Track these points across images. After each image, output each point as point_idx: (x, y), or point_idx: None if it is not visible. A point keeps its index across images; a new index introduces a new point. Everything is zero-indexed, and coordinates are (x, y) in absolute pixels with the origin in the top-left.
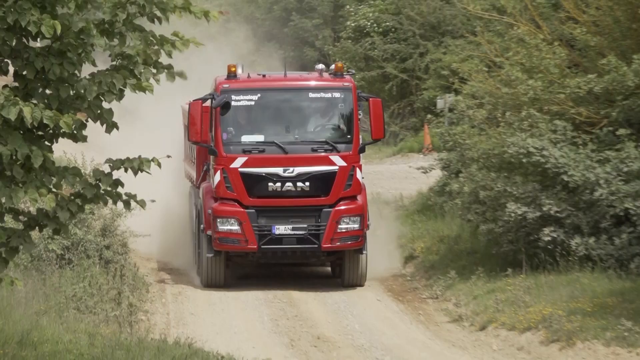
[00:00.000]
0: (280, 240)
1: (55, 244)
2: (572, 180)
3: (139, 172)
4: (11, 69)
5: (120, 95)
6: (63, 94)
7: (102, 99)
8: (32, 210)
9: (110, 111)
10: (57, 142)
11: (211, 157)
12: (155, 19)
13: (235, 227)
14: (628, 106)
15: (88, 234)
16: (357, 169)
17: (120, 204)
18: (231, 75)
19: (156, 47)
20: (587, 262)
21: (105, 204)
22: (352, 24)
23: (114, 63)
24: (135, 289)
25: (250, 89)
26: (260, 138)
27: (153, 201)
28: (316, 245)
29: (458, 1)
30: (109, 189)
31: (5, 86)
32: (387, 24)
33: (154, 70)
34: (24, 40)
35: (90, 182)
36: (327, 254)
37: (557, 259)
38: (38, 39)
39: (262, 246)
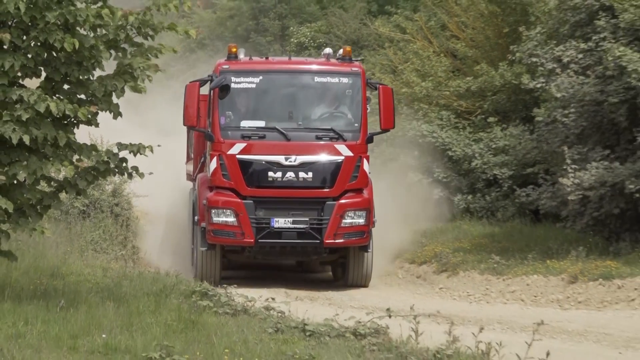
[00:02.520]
0: (280, 234)
1: (79, 202)
2: (455, 154)
3: (138, 154)
4: (43, 73)
5: (120, 94)
6: (80, 92)
7: (111, 95)
8: (60, 177)
9: (116, 105)
10: (77, 128)
11: (208, 143)
12: (148, 37)
13: (231, 219)
14: (496, 100)
15: (102, 195)
16: (365, 160)
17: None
18: (231, 56)
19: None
20: (467, 213)
21: (114, 175)
22: (295, 41)
23: (118, 69)
24: (137, 235)
25: (251, 70)
26: (260, 123)
27: (151, 173)
28: (318, 241)
29: (372, 24)
30: (117, 164)
31: (38, 87)
32: (320, 40)
33: (149, 74)
34: (52, 52)
35: (103, 159)
36: (329, 251)
37: (444, 211)
38: (62, 52)
39: (260, 240)
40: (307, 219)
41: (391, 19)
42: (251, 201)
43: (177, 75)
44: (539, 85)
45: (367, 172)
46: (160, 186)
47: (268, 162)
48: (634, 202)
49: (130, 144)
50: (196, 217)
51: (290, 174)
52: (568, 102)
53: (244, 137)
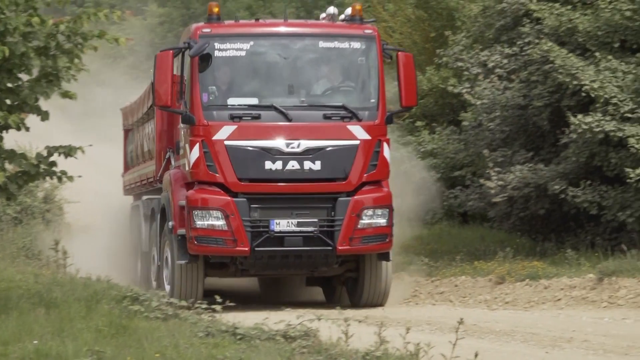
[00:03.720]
0: (281, 240)
1: (11, 209)
2: None
3: (69, 156)
4: None
5: (47, 97)
6: (11, 100)
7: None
8: None
9: (46, 112)
10: (7, 132)
11: (183, 130)
12: (79, 44)
13: (220, 222)
14: (423, 104)
15: (35, 202)
16: (385, 145)
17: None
18: (213, 17)
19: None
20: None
21: (44, 179)
22: None
23: (41, 72)
24: (69, 241)
25: (239, 34)
26: (253, 101)
27: (80, 176)
28: (330, 248)
29: None
30: (47, 167)
31: None
32: None
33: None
34: None
35: (32, 163)
36: (341, 261)
37: None
38: None
39: (257, 248)
40: (316, 220)
41: None
42: (244, 199)
43: (108, 83)
44: (464, 91)
45: (389, 160)
46: (95, 193)
47: (264, 149)
48: (559, 203)
49: (61, 145)
50: (170, 223)
51: (292, 164)
52: (492, 107)
53: (233, 118)
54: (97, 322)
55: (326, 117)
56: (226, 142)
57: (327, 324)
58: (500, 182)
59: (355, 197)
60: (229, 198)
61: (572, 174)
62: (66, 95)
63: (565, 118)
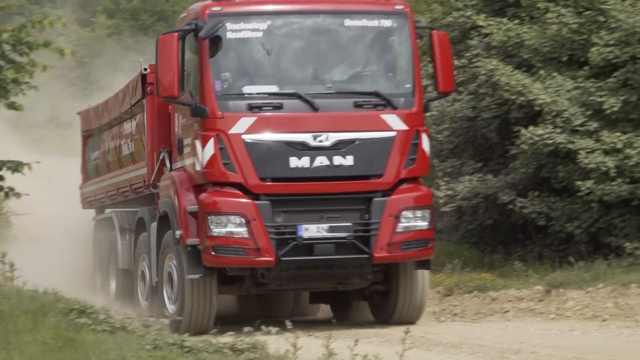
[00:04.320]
0: (311, 247)
1: None
2: None
3: (16, 172)
4: None
5: None
6: None
7: None
8: None
9: None
10: None
11: (188, 124)
12: (24, 54)
13: (240, 229)
14: None
15: None
16: (424, 136)
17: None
18: None
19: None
20: None
21: None
22: None
23: None
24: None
25: (254, 13)
26: (272, 88)
27: (27, 194)
28: (366, 255)
29: None
30: None
31: None
32: None
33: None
34: None
35: None
36: (376, 270)
37: None
38: None
39: (283, 258)
40: (349, 224)
41: None
42: (267, 201)
43: (55, 94)
44: None
45: (428, 154)
46: (46, 205)
47: (289, 144)
48: (507, 214)
49: (9, 160)
50: (178, 233)
51: (321, 160)
52: (441, 119)
53: (251, 109)
54: (44, 335)
55: (357, 106)
56: (245, 137)
57: (276, 337)
58: (449, 192)
59: (392, 196)
60: (249, 200)
61: (520, 184)
62: (12, 106)
63: (513, 130)
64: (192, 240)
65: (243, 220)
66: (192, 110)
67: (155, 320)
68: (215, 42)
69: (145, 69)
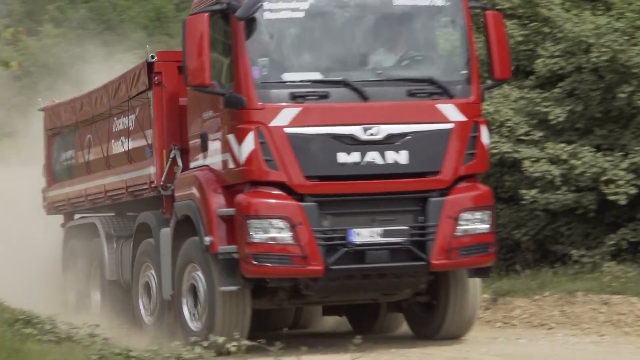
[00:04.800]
0: (362, 254)
1: None
2: None
3: None
4: None
5: None
6: None
7: None
8: None
9: None
10: None
11: (225, 117)
12: None
13: (284, 234)
14: None
15: None
16: (483, 128)
17: None
18: None
19: None
20: None
21: None
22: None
23: None
24: None
25: None
26: (314, 75)
27: None
28: (423, 263)
29: None
30: None
31: None
32: None
33: None
34: None
35: None
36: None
37: None
38: None
39: (333, 266)
40: (406, 227)
41: None
42: (314, 203)
43: (2, 103)
44: None
45: (487, 148)
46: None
47: (337, 137)
48: None
49: None
50: (208, 239)
51: (372, 155)
52: None
53: (295, 98)
54: None
55: (410, 94)
56: (288, 130)
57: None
58: None
59: (450, 196)
60: (295, 202)
61: None
62: None
63: None
64: (225, 248)
65: (288, 225)
66: (226, 100)
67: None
68: (252, 23)
69: (153, 57)
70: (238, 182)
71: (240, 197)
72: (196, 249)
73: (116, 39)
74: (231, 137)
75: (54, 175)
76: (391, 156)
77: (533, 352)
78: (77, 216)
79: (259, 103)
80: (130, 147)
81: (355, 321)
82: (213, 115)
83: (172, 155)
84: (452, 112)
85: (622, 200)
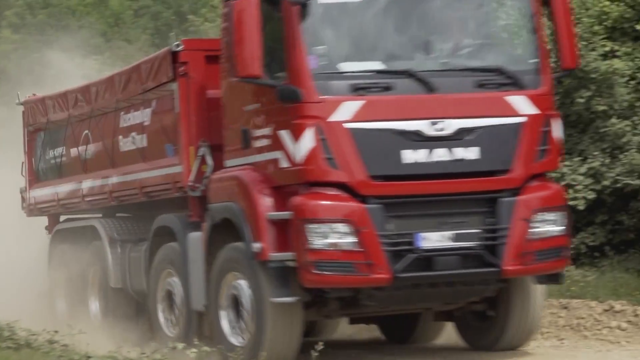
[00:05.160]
0: (430, 261)
1: None
2: None
3: None
4: None
5: None
6: None
7: None
8: None
9: None
10: None
11: (275, 111)
12: None
13: (349, 240)
14: None
15: None
16: (555, 122)
17: None
18: None
19: None
20: None
21: None
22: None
23: None
24: None
25: None
26: (375, 65)
27: None
28: (495, 269)
29: None
30: None
31: None
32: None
33: None
34: None
35: None
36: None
37: None
38: None
39: (401, 275)
40: (477, 230)
41: None
42: (379, 205)
43: None
44: None
45: (560, 144)
46: None
47: (401, 133)
48: None
49: None
50: (257, 246)
51: (440, 152)
52: None
53: (356, 90)
54: None
55: (479, 85)
56: (350, 125)
57: (182, 352)
58: None
59: (522, 196)
60: (358, 204)
61: None
62: None
63: None
64: (278, 255)
65: (352, 229)
66: (279, 93)
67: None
68: (307, 8)
69: (178, 45)
70: (292, 183)
71: (298, 200)
72: (239, 256)
73: (75, 44)
74: (284, 134)
75: (36, 174)
76: (460, 153)
77: (492, 357)
78: (62, 218)
79: (318, 96)
80: (145, 144)
81: (388, 330)
82: (258, 109)
83: (200, 153)
84: (522, 105)
85: (581, 205)
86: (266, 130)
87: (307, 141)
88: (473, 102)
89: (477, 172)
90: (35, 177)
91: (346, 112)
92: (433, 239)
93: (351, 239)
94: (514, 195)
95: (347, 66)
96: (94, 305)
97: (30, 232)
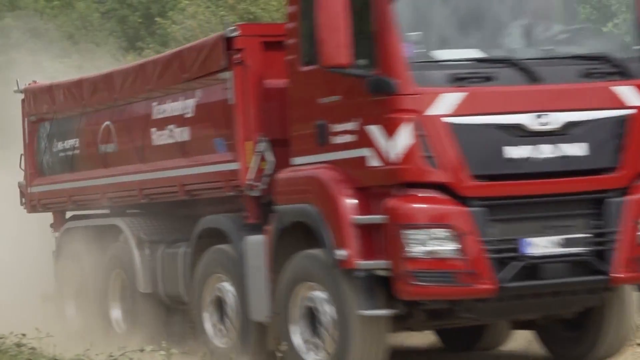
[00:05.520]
0: (536, 269)
1: None
2: None
3: None
4: None
5: None
6: None
7: None
8: None
9: None
10: None
11: (355, 103)
12: None
13: (450, 247)
14: None
15: None
16: None
17: None
18: None
19: None
20: None
21: None
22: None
23: None
24: None
25: None
26: (473, 52)
27: None
28: (604, 277)
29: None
30: None
31: None
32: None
33: None
34: None
35: None
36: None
37: None
38: None
39: (507, 285)
40: (587, 235)
41: (142, 54)
42: (482, 208)
43: None
44: None
45: None
46: None
47: (504, 128)
48: None
49: None
50: (343, 253)
51: (545, 149)
52: None
53: (456, 81)
54: None
55: (584, 75)
56: (450, 120)
57: (151, 356)
58: None
59: (630, 196)
60: (460, 207)
61: None
62: None
63: None
64: (366, 263)
65: (455, 235)
66: (370, 84)
67: None
68: None
69: (233, 30)
70: (383, 184)
71: (394, 202)
72: (315, 265)
73: (42, 47)
74: (374, 129)
75: (40, 167)
76: (566, 149)
77: None
78: (68, 214)
79: (416, 87)
80: (187, 138)
81: (448, 336)
82: (339, 101)
83: (259, 149)
84: (630, 96)
85: None
86: (350, 125)
87: (405, 137)
88: (579, 94)
89: (584, 171)
90: (39, 171)
91: (445, 105)
92: (540, 245)
93: (453, 246)
94: (622, 195)
95: (444, 54)
96: (116, 312)
97: (26, 229)
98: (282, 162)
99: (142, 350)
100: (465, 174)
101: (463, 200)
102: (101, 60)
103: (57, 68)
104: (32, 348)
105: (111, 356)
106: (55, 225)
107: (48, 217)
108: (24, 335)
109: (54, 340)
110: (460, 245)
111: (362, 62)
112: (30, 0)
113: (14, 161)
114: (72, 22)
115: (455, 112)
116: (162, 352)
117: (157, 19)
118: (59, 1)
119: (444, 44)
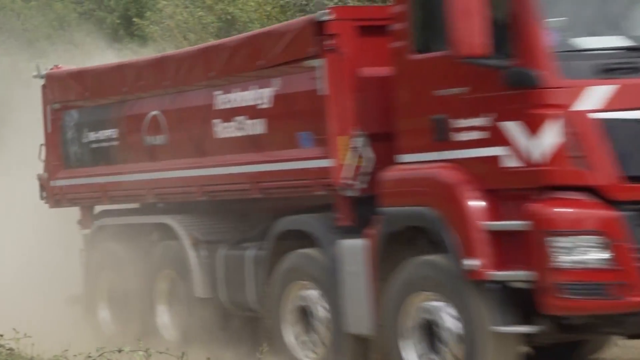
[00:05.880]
0: None
1: None
2: None
3: None
4: None
5: None
6: None
7: None
8: None
9: None
10: None
11: (486, 96)
12: None
13: (602, 256)
14: None
15: None
16: None
17: None
18: None
19: None
20: None
21: None
22: None
23: None
24: None
25: None
26: (620, 41)
27: None
28: None
29: None
30: None
31: None
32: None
33: None
34: None
35: None
36: None
37: None
38: None
39: None
40: None
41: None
42: (635, 212)
43: None
44: None
45: None
46: None
47: None
48: None
49: None
50: (473, 263)
51: None
52: None
53: (605, 72)
54: None
55: None
56: (599, 116)
57: (129, 356)
58: None
59: None
60: (614, 212)
61: None
62: None
63: None
64: (502, 275)
65: (607, 243)
66: (510, 76)
67: None
68: None
69: (325, 13)
70: (522, 187)
71: (539, 207)
72: (435, 273)
73: (19, 47)
74: (513, 126)
75: (65, 158)
76: None
77: None
78: (97, 209)
79: (563, 80)
80: (262, 131)
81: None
82: (465, 93)
83: (356, 145)
84: None
85: None
86: (478, 121)
87: (551, 136)
88: None
89: None
90: (64, 163)
91: (595, 99)
92: None
93: (605, 255)
94: None
95: (591, 42)
96: (164, 317)
97: (46, 225)
98: (383, 159)
99: (120, 351)
100: (617, 175)
101: (613, 204)
102: (78, 60)
103: (33, 68)
104: (10, 349)
105: (89, 357)
106: (83, 222)
107: (64, 211)
108: (1, 335)
109: (32, 340)
110: (612, 254)
111: (498, 51)
112: (7, 1)
113: (10, 158)
114: (49, 22)
115: (605, 107)
116: (141, 352)
117: (135, 19)
118: (37, 1)
119: (589, 31)
